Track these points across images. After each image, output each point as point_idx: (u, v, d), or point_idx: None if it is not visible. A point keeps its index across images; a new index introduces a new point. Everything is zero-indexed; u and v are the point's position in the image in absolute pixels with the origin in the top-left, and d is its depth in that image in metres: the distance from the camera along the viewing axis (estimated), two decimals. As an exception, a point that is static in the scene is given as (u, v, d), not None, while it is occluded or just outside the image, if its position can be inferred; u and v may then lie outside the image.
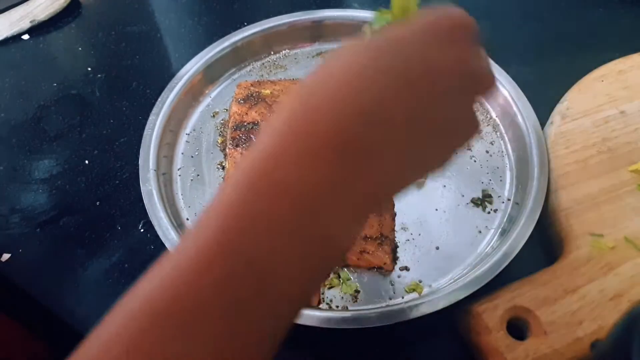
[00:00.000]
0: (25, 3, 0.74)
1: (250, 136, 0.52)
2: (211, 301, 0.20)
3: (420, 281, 0.48)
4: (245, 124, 0.53)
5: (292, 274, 0.22)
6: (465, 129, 0.30)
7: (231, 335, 0.20)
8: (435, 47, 0.26)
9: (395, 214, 0.51)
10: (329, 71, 0.24)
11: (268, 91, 0.57)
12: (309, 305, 0.41)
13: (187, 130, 0.60)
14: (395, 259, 0.49)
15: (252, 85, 0.58)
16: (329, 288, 0.47)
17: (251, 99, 0.56)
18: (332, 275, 0.49)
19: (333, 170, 0.22)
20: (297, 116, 0.22)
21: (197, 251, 0.21)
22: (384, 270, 0.48)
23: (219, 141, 0.59)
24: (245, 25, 0.66)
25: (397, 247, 0.50)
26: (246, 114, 0.54)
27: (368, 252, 0.48)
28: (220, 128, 0.60)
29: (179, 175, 0.56)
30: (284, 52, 0.68)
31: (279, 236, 0.21)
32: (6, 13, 0.73)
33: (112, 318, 0.21)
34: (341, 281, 0.48)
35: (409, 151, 0.26)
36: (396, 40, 0.26)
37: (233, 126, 0.54)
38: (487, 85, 0.32)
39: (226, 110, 0.62)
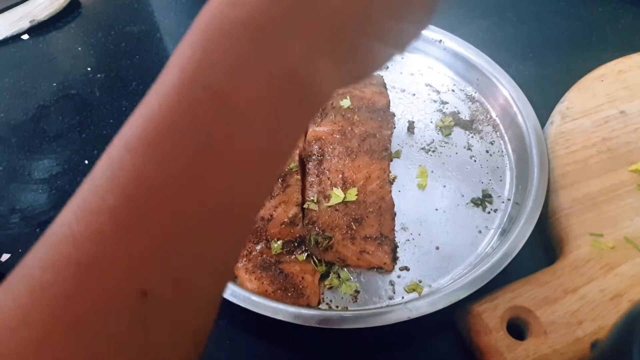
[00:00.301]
0: (25, 3, 0.74)
1: None
2: (180, 127, 0.20)
3: (420, 281, 0.48)
4: None
5: (262, 112, 0.21)
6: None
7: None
8: None
9: (395, 214, 0.51)
10: None
11: None
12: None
13: (187, 130, 0.60)
14: (395, 259, 0.49)
15: None
16: (329, 288, 0.47)
17: None
18: (332, 275, 0.49)
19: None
20: None
21: (165, 91, 0.21)
22: (383, 270, 0.48)
23: None
24: (245, 25, 0.66)
25: (397, 247, 0.50)
26: None
27: (368, 252, 0.48)
28: None
29: (179, 175, 0.56)
30: (283, 52, 0.68)
31: (238, 67, 0.21)
32: (6, 13, 0.73)
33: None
34: (341, 281, 0.48)
35: None
36: None
37: None
38: None
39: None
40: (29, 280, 0.19)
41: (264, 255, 0.48)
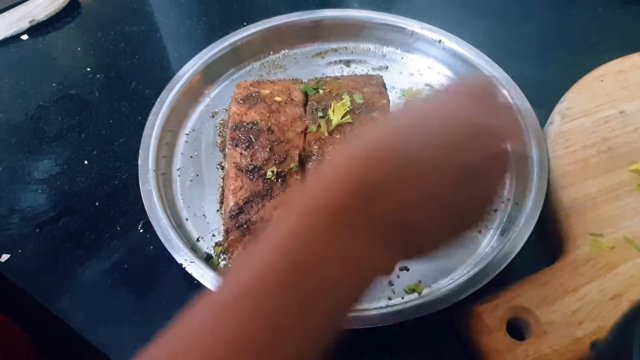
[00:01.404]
0: (25, 3, 0.74)
1: (249, 136, 0.52)
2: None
3: (420, 281, 0.48)
4: (244, 124, 0.53)
5: (325, 288, 0.26)
6: (482, 198, 0.33)
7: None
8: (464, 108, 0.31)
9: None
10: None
11: (267, 91, 0.56)
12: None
13: (187, 131, 0.60)
14: None
15: (251, 85, 0.58)
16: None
17: (251, 99, 0.56)
18: None
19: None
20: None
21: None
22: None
23: (219, 141, 0.59)
24: (244, 25, 0.66)
25: None
26: (245, 114, 0.54)
27: None
28: (220, 128, 0.60)
29: (179, 176, 0.56)
30: (283, 52, 0.68)
31: (315, 253, 0.26)
32: (5, 13, 0.73)
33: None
34: None
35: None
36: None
37: (232, 126, 0.54)
38: (509, 134, 0.34)
39: (225, 110, 0.62)
40: None
41: None
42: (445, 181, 0.29)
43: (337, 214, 0.27)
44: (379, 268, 0.29)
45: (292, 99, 0.57)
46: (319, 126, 0.54)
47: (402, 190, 0.28)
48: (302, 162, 0.53)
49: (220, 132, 0.60)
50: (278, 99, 0.56)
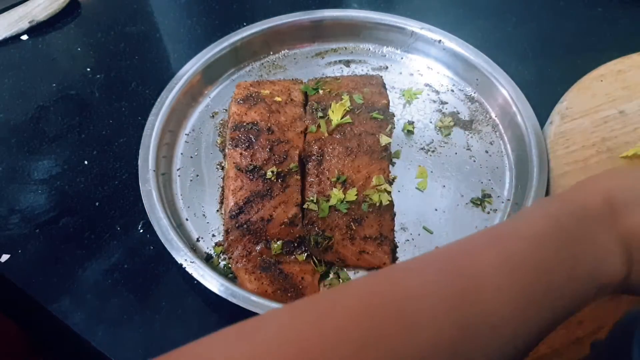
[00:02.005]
0: (24, 3, 0.74)
1: (249, 137, 0.52)
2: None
3: (420, 281, 0.48)
4: (244, 124, 0.53)
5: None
6: None
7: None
8: None
9: (394, 214, 0.51)
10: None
11: (267, 91, 0.56)
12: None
13: (187, 131, 0.60)
14: (394, 259, 0.49)
15: (251, 85, 0.58)
16: (329, 288, 0.47)
17: (250, 99, 0.56)
18: (331, 276, 0.49)
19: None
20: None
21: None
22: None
23: (218, 141, 0.59)
24: (244, 26, 0.66)
25: (396, 247, 0.50)
26: (245, 114, 0.54)
27: (367, 253, 0.48)
28: (220, 128, 0.60)
29: (179, 176, 0.56)
30: (283, 52, 0.68)
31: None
32: (5, 13, 0.73)
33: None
34: (341, 281, 0.48)
35: None
36: None
37: (232, 126, 0.54)
38: None
39: (225, 110, 0.62)
40: None
41: (264, 256, 0.48)
42: None
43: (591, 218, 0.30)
44: (612, 280, 0.29)
45: (292, 99, 0.57)
46: (318, 126, 0.54)
47: None
48: (302, 162, 0.53)
49: (220, 132, 0.60)
50: (278, 99, 0.56)
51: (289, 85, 0.59)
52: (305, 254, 0.48)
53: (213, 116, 0.61)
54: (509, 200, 0.53)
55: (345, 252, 0.48)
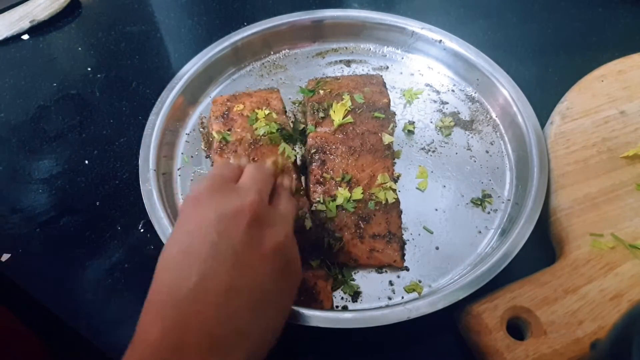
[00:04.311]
0: (25, 3, 0.74)
1: (236, 150, 0.53)
2: None
3: (420, 281, 0.48)
4: (228, 142, 0.54)
5: None
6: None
7: None
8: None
9: (401, 212, 0.51)
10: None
11: (242, 106, 0.56)
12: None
13: (187, 130, 0.60)
14: (403, 255, 0.49)
15: (228, 100, 0.58)
16: (334, 290, 0.47)
17: (229, 115, 0.55)
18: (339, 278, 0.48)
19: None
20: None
21: None
22: (383, 270, 0.48)
23: (203, 146, 0.58)
24: (245, 25, 0.66)
25: (405, 243, 0.50)
26: (229, 131, 0.54)
27: (377, 251, 0.48)
28: (200, 128, 0.60)
29: (179, 175, 0.56)
30: (283, 52, 0.68)
31: None
32: (6, 13, 0.73)
33: None
34: (345, 279, 0.48)
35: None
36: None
37: (218, 147, 0.53)
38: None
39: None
40: None
41: None
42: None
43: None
44: None
45: (272, 108, 0.57)
46: (317, 125, 0.54)
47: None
48: (305, 164, 0.53)
49: (203, 135, 0.59)
50: (258, 111, 0.56)
51: (266, 95, 0.59)
52: (319, 260, 0.48)
53: (213, 116, 0.61)
54: (509, 200, 0.53)
55: (356, 251, 0.48)
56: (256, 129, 0.54)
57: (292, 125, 0.58)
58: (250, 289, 0.33)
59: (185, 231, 0.35)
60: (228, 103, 0.57)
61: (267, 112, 0.56)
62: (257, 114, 0.55)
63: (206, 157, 0.57)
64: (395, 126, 0.57)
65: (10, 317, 0.55)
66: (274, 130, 0.54)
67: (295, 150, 0.55)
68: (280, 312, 0.36)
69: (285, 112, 0.58)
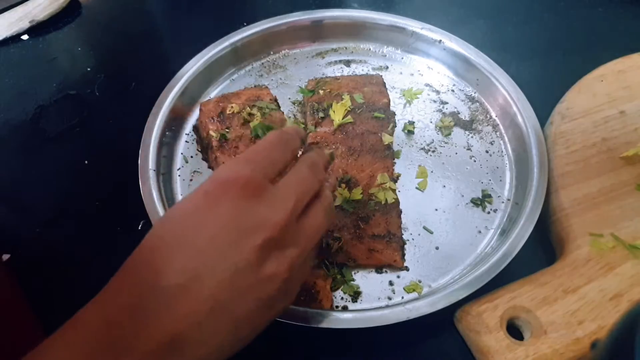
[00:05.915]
0: (25, 3, 0.74)
1: (234, 149, 0.53)
2: None
3: (420, 281, 0.48)
4: (225, 140, 0.53)
5: None
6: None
7: None
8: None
9: (401, 212, 0.51)
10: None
11: (234, 105, 0.56)
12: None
13: (187, 131, 0.60)
14: (403, 255, 0.49)
15: (218, 101, 0.57)
16: (334, 290, 0.47)
17: (222, 115, 0.55)
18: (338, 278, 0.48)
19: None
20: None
21: None
22: (383, 270, 0.48)
23: (197, 148, 0.58)
24: (245, 25, 0.66)
25: (405, 243, 0.50)
26: (226, 129, 0.54)
27: (377, 251, 0.48)
28: (193, 134, 0.60)
29: (179, 176, 0.56)
30: (283, 52, 0.68)
31: None
32: (5, 13, 0.73)
33: None
34: (345, 279, 0.48)
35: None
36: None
37: (216, 146, 0.53)
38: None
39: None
40: None
41: None
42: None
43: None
44: None
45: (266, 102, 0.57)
46: (317, 126, 0.54)
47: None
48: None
49: (197, 140, 0.59)
50: (249, 109, 0.56)
51: (256, 92, 0.58)
52: (317, 260, 0.48)
53: (213, 116, 0.61)
54: (509, 200, 0.53)
55: (355, 251, 0.48)
56: (254, 125, 0.54)
57: (289, 119, 0.58)
58: (230, 312, 0.31)
59: (194, 223, 0.32)
60: (220, 104, 0.57)
61: (262, 105, 0.56)
62: (250, 110, 0.55)
63: (203, 159, 0.57)
64: (395, 126, 0.57)
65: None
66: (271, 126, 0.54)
67: None
68: (254, 333, 0.33)
69: (279, 106, 0.58)
